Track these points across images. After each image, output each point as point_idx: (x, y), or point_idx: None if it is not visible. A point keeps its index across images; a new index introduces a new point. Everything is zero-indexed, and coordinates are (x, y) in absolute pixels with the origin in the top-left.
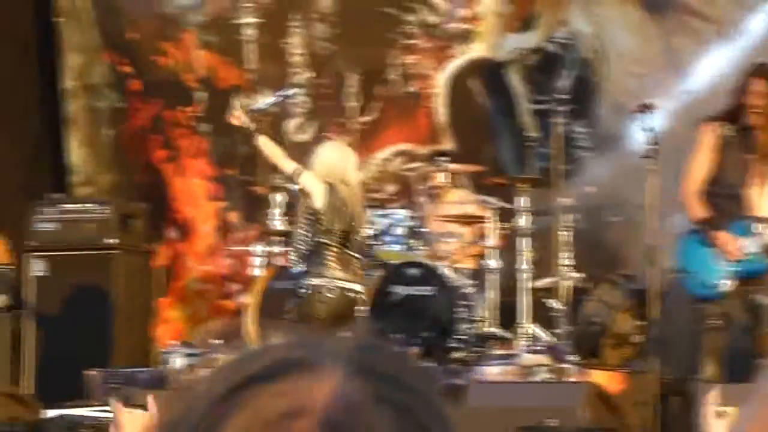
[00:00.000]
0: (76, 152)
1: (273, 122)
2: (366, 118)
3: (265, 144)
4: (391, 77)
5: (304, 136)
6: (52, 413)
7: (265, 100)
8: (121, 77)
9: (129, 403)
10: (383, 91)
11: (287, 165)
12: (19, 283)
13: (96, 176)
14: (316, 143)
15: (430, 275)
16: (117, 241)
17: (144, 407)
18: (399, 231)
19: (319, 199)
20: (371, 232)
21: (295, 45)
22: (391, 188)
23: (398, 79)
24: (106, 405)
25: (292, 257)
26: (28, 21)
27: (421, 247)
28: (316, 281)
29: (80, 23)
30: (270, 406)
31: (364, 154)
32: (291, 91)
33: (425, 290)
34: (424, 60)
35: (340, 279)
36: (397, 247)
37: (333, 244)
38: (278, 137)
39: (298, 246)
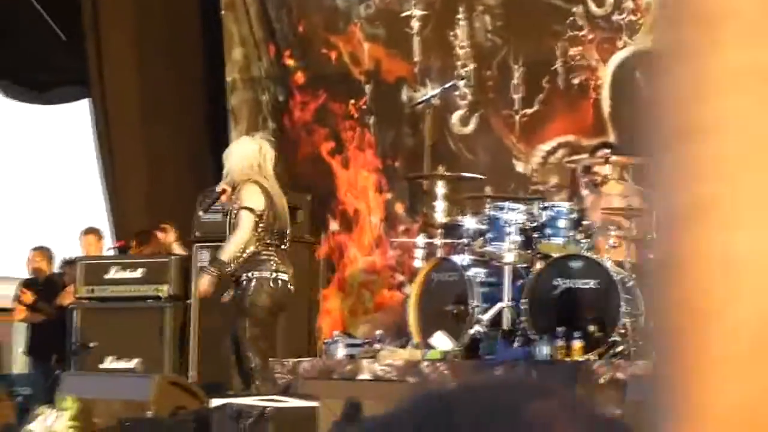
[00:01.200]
0: None
1: (437, 114)
2: (530, 110)
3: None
4: (556, 69)
5: (469, 129)
6: (217, 402)
7: (429, 92)
8: (284, 70)
9: (291, 393)
10: (548, 83)
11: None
12: (186, 273)
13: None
14: (479, 135)
15: (593, 268)
16: None
17: (309, 397)
18: (562, 223)
19: (256, 201)
20: (533, 224)
21: (461, 37)
22: (554, 180)
23: (563, 71)
24: (271, 394)
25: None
26: (194, 15)
27: (584, 240)
28: (258, 273)
29: (245, 16)
30: None
31: (528, 145)
32: (456, 83)
33: (588, 283)
34: (590, 51)
35: (281, 272)
36: (559, 240)
37: (272, 242)
38: (442, 130)
39: (237, 254)
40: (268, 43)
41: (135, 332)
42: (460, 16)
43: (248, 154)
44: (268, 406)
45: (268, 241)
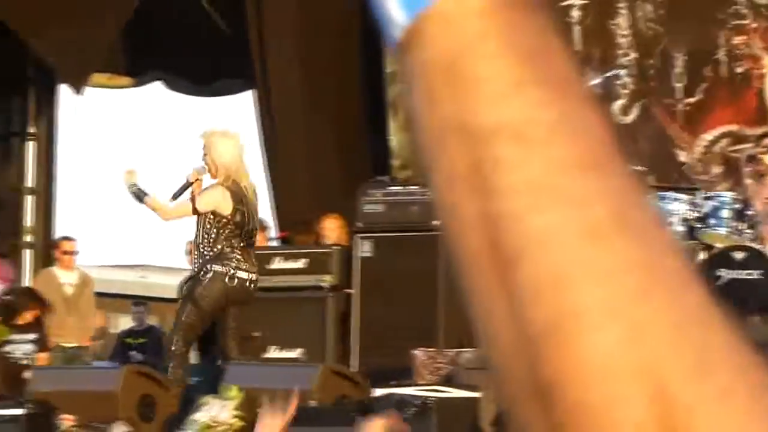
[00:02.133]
0: (397, 136)
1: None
2: (692, 99)
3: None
4: (719, 58)
5: (630, 118)
6: (379, 392)
7: (590, 82)
8: None
9: (454, 383)
10: (711, 72)
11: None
12: (347, 263)
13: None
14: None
15: (757, 259)
16: None
17: (471, 388)
18: (725, 214)
19: (218, 205)
20: (696, 214)
21: (622, 26)
22: (716, 170)
23: (726, 60)
24: (433, 384)
25: (196, 260)
26: (356, 6)
27: (748, 230)
28: (218, 268)
29: None
30: None
31: (690, 135)
32: (617, 72)
33: (752, 274)
34: (754, 40)
35: (242, 269)
36: (722, 231)
37: (240, 242)
38: None
39: (203, 251)
40: None
41: (298, 322)
42: (621, 4)
43: (237, 154)
44: (430, 396)
45: (233, 243)
